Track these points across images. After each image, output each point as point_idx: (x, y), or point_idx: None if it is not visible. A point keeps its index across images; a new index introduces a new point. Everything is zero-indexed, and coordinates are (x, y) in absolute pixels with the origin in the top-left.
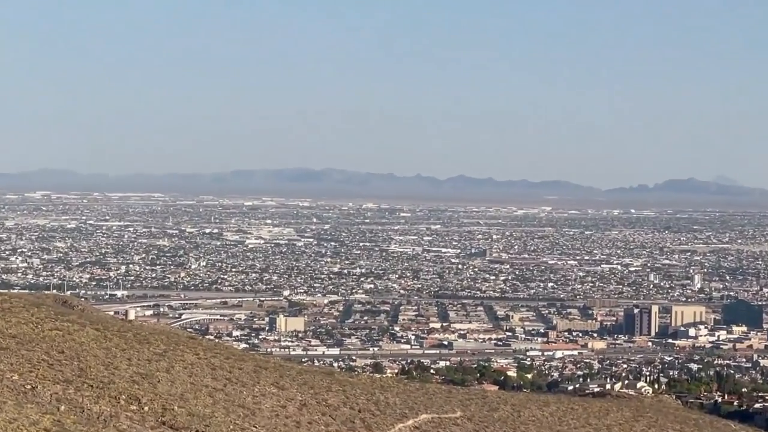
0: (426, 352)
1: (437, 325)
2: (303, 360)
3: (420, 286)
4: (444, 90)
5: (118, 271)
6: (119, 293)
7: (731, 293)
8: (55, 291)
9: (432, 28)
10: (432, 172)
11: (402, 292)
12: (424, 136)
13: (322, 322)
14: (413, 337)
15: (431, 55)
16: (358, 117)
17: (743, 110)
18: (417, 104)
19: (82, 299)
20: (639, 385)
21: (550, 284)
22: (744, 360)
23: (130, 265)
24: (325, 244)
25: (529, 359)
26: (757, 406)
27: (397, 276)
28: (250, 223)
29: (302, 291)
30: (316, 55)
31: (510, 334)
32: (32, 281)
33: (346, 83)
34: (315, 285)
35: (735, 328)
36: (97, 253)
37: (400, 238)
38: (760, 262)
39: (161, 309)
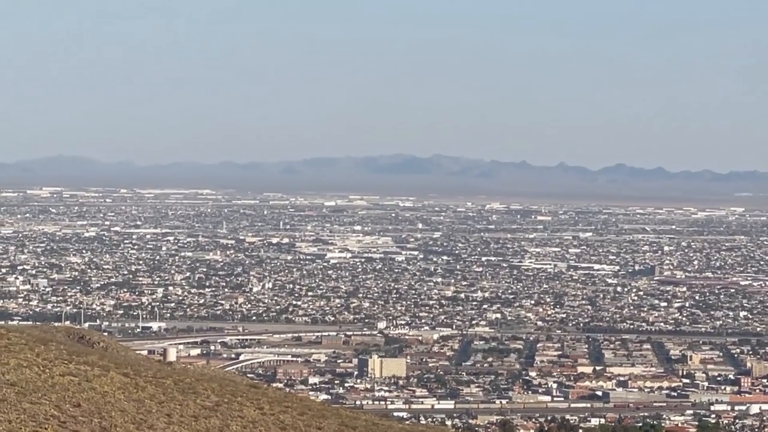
0: (572, 405)
1: (588, 369)
2: (405, 417)
3: (564, 316)
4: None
5: (154, 296)
6: (155, 325)
7: None
8: (68, 323)
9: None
10: (581, 160)
11: (539, 324)
12: (569, 112)
13: (430, 365)
14: (555, 386)
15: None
16: (477, 88)
17: None
18: (558, 71)
19: (105, 334)
20: None
21: (742, 313)
22: None
23: (170, 288)
24: (435, 259)
25: (714, 416)
26: None
27: (532, 302)
28: (333, 230)
29: (403, 323)
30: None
31: (688, 381)
32: (38, 309)
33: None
34: (421, 315)
35: None
36: (125, 271)
37: (537, 250)
38: None
39: (212, 347)
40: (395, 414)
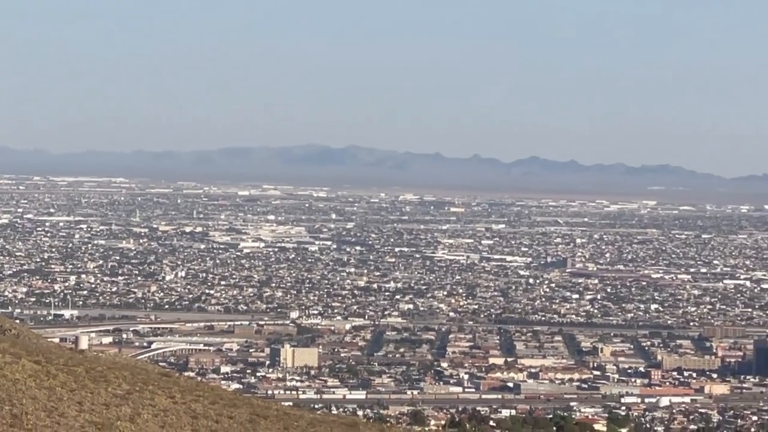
0: (484, 396)
1: (499, 361)
2: (316, 406)
3: (476, 307)
4: (505, 49)
5: (66, 284)
6: (67, 313)
7: None
8: None
9: None
10: (494, 152)
11: (452, 315)
12: (482, 104)
13: (342, 354)
14: (466, 377)
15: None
16: (392, 79)
17: None
18: (474, 63)
19: (17, 321)
20: None
21: (653, 306)
22: None
23: (83, 276)
24: (348, 249)
25: (623, 408)
26: None
27: (445, 293)
28: (246, 220)
29: (316, 313)
30: None
31: (598, 373)
32: None
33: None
34: (333, 305)
35: None
36: (38, 259)
37: (450, 241)
38: None
39: (124, 335)
40: (307, 403)
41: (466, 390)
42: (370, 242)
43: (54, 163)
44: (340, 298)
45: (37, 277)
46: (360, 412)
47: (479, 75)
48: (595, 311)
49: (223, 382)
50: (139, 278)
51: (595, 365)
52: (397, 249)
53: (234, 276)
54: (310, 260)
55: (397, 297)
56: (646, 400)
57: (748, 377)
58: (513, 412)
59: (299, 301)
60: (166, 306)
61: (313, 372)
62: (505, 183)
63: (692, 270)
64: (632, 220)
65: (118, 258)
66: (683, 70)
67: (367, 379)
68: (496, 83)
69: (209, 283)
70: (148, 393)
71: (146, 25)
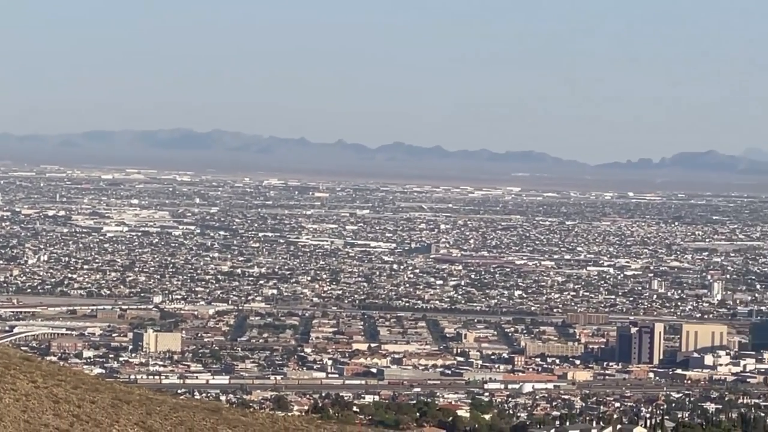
0: (347, 382)
1: (363, 346)
2: (179, 391)
3: (340, 292)
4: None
5: None
6: None
7: (763, 308)
8: None
9: None
10: (359, 138)
11: (316, 300)
12: (348, 90)
13: (205, 339)
14: (330, 362)
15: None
16: (258, 62)
17: None
18: (333, 51)
19: None
20: (636, 430)
21: (517, 293)
22: None
23: None
24: (212, 234)
25: (487, 394)
26: None
27: (309, 279)
28: (110, 204)
29: (179, 297)
30: None
31: (462, 359)
32: None
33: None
34: (197, 290)
35: (767, 356)
36: None
37: (314, 226)
38: None
39: None
40: (170, 388)
41: (330, 376)
42: (234, 227)
43: None
44: (203, 283)
45: None
46: (223, 398)
47: (343, 62)
48: (459, 297)
49: (85, 366)
50: (0, 262)
51: (459, 351)
52: (261, 234)
53: (97, 260)
54: (173, 245)
55: (261, 282)
56: (510, 387)
57: (611, 364)
58: (376, 397)
59: (162, 286)
60: (29, 290)
61: (176, 357)
62: (369, 168)
63: (556, 256)
64: (496, 207)
65: None
66: (546, 56)
67: (230, 364)
68: (357, 70)
69: (72, 267)
70: (9, 377)
71: (9, 10)
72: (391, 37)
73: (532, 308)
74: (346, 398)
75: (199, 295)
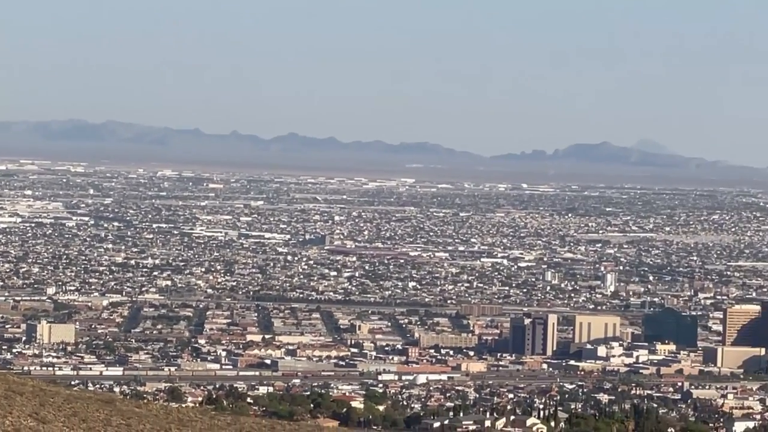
0: (241, 373)
1: (257, 338)
2: (73, 383)
3: (234, 283)
4: (277, 23)
5: None
6: None
7: (655, 299)
8: None
9: None
10: (253, 129)
11: (210, 291)
12: (242, 81)
13: (99, 331)
14: (224, 354)
15: None
16: (150, 55)
17: (675, 56)
18: (232, 41)
19: None
20: (529, 421)
21: (411, 284)
22: (671, 390)
23: None
24: (106, 225)
25: (381, 385)
26: None
27: (203, 270)
28: (3, 195)
29: (73, 289)
30: None
31: (356, 350)
32: None
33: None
34: (91, 281)
35: (660, 347)
36: None
37: (208, 218)
38: (695, 258)
39: None
40: (63, 380)
41: (224, 367)
42: (128, 218)
43: None
44: (97, 274)
45: None
46: (117, 389)
47: (238, 51)
48: (353, 289)
49: None
50: None
51: (353, 342)
52: (155, 225)
53: None
54: (67, 236)
55: (155, 273)
56: (404, 378)
57: (504, 355)
58: (270, 389)
59: (56, 278)
60: None
61: (69, 348)
62: (264, 159)
63: (450, 248)
64: (390, 198)
65: None
66: (439, 48)
67: (124, 355)
68: (252, 61)
69: None
70: None
71: None
72: (284, 28)
73: (426, 299)
74: (240, 389)
75: (92, 287)
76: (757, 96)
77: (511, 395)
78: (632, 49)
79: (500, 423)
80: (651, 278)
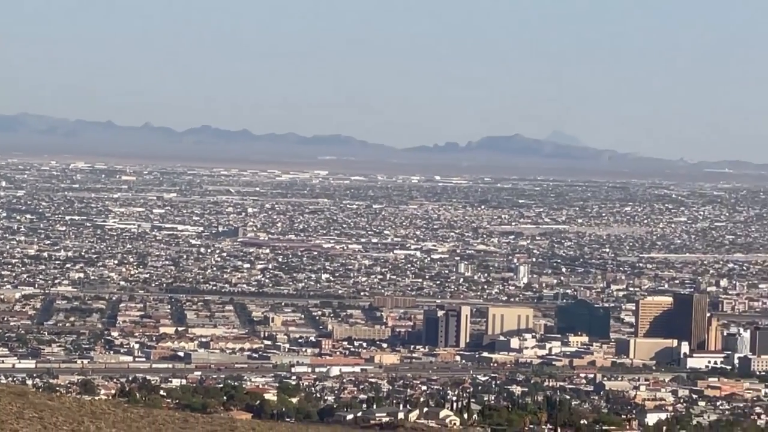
0: (154, 366)
1: (170, 330)
2: None
3: (147, 276)
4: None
5: None
6: None
7: (568, 291)
8: None
9: None
10: (166, 121)
11: (123, 284)
12: (155, 74)
13: (12, 324)
14: (137, 346)
15: None
16: (63, 47)
17: (585, 48)
18: (145, 35)
19: None
20: (442, 413)
21: (324, 276)
22: (584, 381)
23: None
24: (18, 218)
25: (294, 377)
26: None
27: (116, 262)
28: None
29: None
30: None
31: (269, 343)
32: None
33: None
34: (3, 273)
35: (573, 339)
36: None
37: (121, 210)
38: (608, 250)
39: None
40: None
41: (137, 359)
42: (40, 210)
43: None
44: (9, 266)
45: None
46: (29, 382)
47: (147, 44)
48: (267, 281)
49: None
50: None
51: (266, 335)
52: (67, 217)
53: None
54: None
55: (68, 266)
56: (317, 370)
57: (417, 347)
58: (183, 381)
59: None
60: None
61: None
62: (176, 152)
63: (363, 240)
64: (304, 190)
65: None
66: (350, 40)
67: (36, 348)
68: (164, 53)
69: None
70: None
71: None
72: (194, 21)
73: (340, 292)
74: (153, 382)
75: (5, 279)
76: (668, 89)
77: (424, 387)
78: (544, 42)
79: (413, 415)
80: (564, 270)
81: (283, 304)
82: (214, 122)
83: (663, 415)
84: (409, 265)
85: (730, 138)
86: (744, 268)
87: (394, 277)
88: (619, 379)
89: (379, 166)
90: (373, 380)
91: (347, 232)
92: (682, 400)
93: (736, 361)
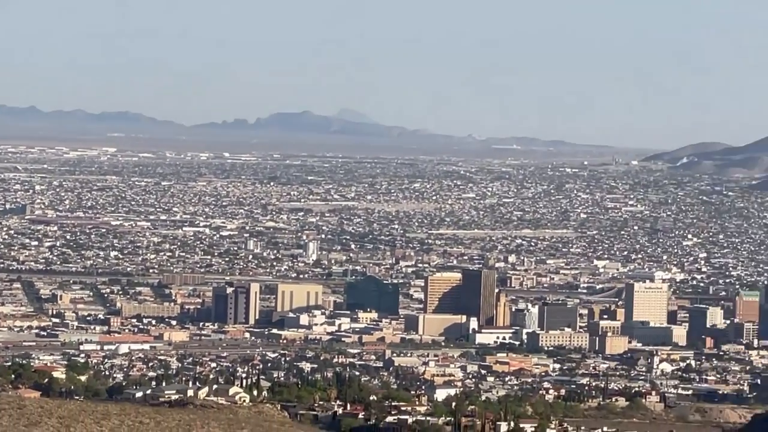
0: None
1: None
2: None
3: None
4: None
5: None
6: None
7: (357, 268)
8: None
9: None
10: None
11: None
12: None
13: None
14: None
15: None
16: None
17: (375, 25)
18: None
19: None
20: (232, 390)
21: (113, 253)
22: (373, 357)
23: None
24: None
25: (83, 355)
26: (389, 419)
27: None
28: None
29: None
30: None
31: (58, 320)
32: None
33: None
34: None
35: (362, 315)
36: None
37: None
38: (397, 227)
39: None
40: None
41: None
42: None
43: None
44: None
45: None
46: None
47: None
48: (55, 258)
49: None
50: None
51: (54, 313)
52: None
53: None
54: None
55: None
56: (106, 348)
57: (207, 324)
58: None
59: None
60: None
61: None
62: None
63: (152, 217)
64: (92, 167)
65: None
66: (146, 18)
67: None
68: None
69: None
70: None
71: None
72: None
73: (128, 269)
74: None
75: None
76: (455, 65)
77: (213, 364)
78: (332, 18)
79: (203, 392)
80: (353, 246)
81: (71, 281)
82: (0, 99)
83: (452, 391)
84: (198, 242)
85: (518, 115)
86: (532, 244)
87: (183, 254)
88: (409, 355)
89: (167, 143)
90: (162, 358)
91: (136, 209)
92: (471, 376)
93: (524, 337)
